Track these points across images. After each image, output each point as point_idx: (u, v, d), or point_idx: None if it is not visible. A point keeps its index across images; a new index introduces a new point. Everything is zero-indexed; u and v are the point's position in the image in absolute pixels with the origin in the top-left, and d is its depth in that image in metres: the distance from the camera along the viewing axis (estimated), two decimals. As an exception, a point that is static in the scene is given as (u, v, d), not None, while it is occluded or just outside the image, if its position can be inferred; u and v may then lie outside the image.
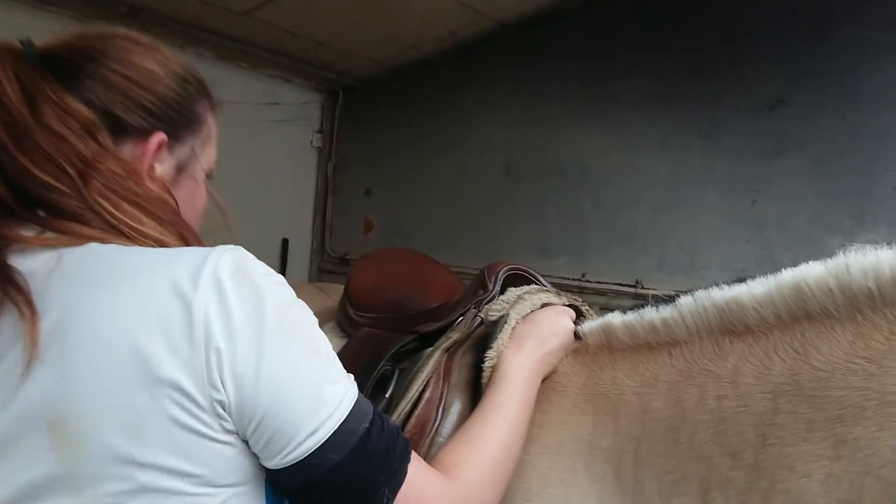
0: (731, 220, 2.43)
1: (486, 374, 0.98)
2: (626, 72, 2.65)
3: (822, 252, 2.47)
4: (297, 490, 0.69)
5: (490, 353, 0.99)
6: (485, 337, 1.04)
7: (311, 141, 3.54)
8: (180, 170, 0.83)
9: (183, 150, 0.83)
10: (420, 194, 3.21)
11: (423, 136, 3.19)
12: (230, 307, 0.63)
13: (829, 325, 0.75)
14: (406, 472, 0.72)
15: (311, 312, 0.72)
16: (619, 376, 0.94)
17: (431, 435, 0.92)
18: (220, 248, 0.67)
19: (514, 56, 2.92)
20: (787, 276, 0.79)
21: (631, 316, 0.96)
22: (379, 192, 3.39)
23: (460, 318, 1.08)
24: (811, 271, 0.77)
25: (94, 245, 0.67)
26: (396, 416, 0.95)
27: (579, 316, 1.13)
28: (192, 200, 0.85)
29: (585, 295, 2.68)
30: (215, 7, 2.66)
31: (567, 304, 1.13)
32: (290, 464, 0.66)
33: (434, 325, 1.11)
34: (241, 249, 0.68)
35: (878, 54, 2.18)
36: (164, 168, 0.80)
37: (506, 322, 1.03)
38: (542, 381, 1.01)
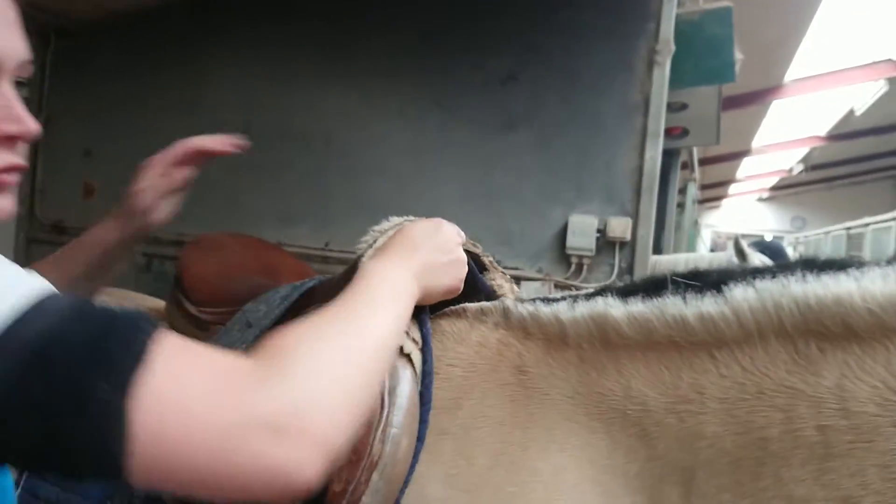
0: (467, 189, 2.50)
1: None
2: (367, 37, 2.60)
3: (546, 222, 2.61)
4: None
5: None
6: None
7: (15, 90, 3.01)
8: None
9: None
10: (149, 156, 2.88)
11: (153, 93, 2.87)
12: None
13: None
14: (140, 358, 0.45)
15: None
16: (636, 386, 0.70)
17: (381, 427, 0.71)
18: None
19: (255, 12, 2.74)
20: None
21: (640, 303, 0.72)
22: (101, 153, 3.00)
23: None
24: None
25: None
26: None
27: (483, 269, 0.97)
28: None
29: (329, 265, 2.61)
30: None
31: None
32: None
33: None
34: None
35: (594, 38, 2.36)
36: None
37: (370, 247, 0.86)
38: (505, 388, 0.79)
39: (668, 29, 2.23)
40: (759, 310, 0.64)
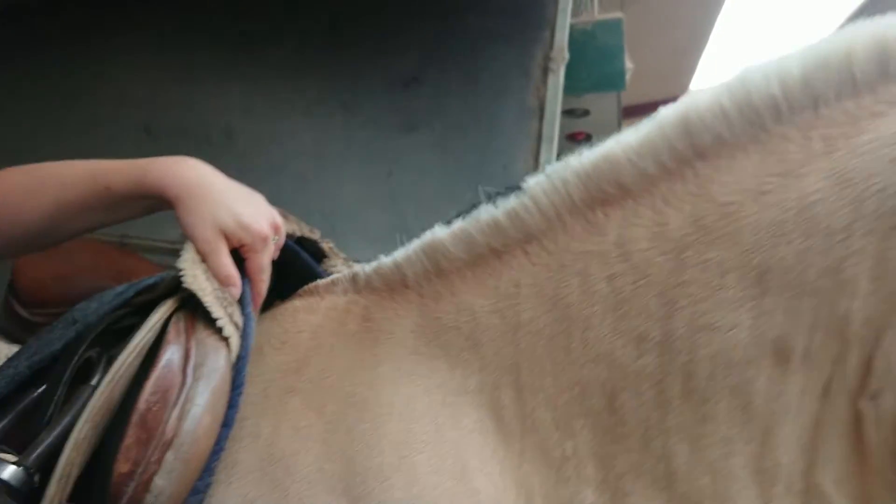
0: (369, 189, 2.52)
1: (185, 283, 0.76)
2: (272, 33, 2.59)
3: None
4: None
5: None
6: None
7: None
8: None
9: None
10: (41, 149, 2.78)
11: (46, 82, 2.78)
12: None
13: (727, 154, 0.62)
14: None
15: None
16: (466, 300, 0.74)
17: (181, 403, 0.69)
18: None
19: (156, 5, 2.69)
20: (668, 109, 0.66)
21: (460, 222, 0.77)
22: (-8, 146, 2.88)
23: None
24: (701, 96, 0.64)
25: None
26: (105, 394, 0.69)
27: (323, 256, 0.98)
28: None
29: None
30: None
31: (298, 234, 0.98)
32: None
33: (153, 295, 0.86)
34: None
35: (494, 43, 2.41)
36: None
37: None
38: (352, 338, 0.80)
39: (562, 37, 2.30)
40: (552, 190, 0.70)
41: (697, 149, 0.64)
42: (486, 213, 0.74)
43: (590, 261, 0.67)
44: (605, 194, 0.68)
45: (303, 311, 0.89)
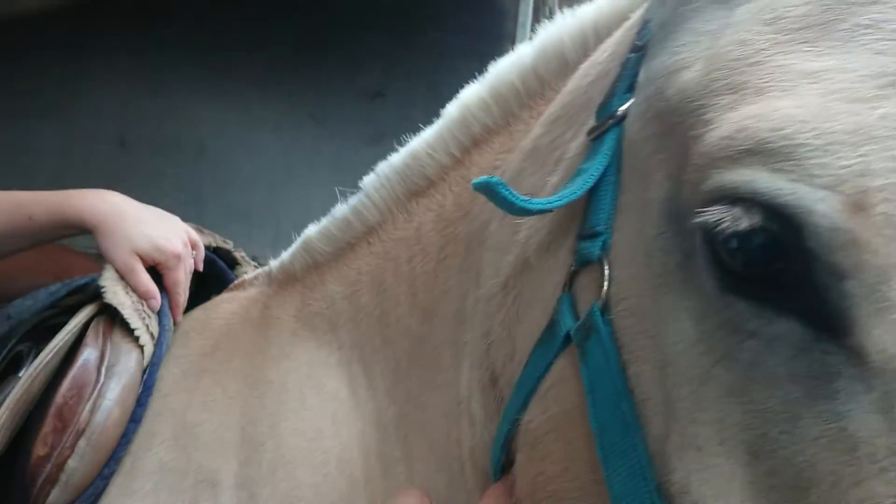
0: (339, 199, 2.58)
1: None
2: (244, 49, 2.66)
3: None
4: None
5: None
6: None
7: None
8: None
9: None
10: (17, 161, 2.86)
11: (20, 96, 2.84)
12: None
13: (489, 141, 0.71)
14: None
15: None
16: (329, 288, 0.85)
17: (94, 398, 0.77)
18: None
19: (131, 21, 2.76)
20: (453, 107, 0.74)
21: (325, 220, 0.87)
22: (-29, 159, 2.94)
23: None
24: (470, 92, 0.73)
25: None
26: (25, 387, 0.77)
27: (235, 264, 1.06)
28: None
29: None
30: None
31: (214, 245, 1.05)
32: None
33: (83, 296, 0.93)
34: None
35: (455, 57, 2.50)
36: None
37: None
38: (252, 324, 0.90)
39: (521, 51, 2.38)
40: (380, 187, 0.80)
41: (474, 138, 0.73)
42: (340, 210, 0.85)
43: (400, 247, 0.77)
44: (417, 186, 0.77)
45: (225, 301, 0.99)
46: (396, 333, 0.75)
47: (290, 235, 2.35)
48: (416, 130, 2.54)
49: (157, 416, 0.81)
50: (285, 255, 0.92)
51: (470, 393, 0.59)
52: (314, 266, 0.88)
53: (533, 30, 2.28)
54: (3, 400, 0.75)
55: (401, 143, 2.61)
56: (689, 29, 0.39)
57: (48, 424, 0.74)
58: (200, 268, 0.96)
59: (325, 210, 2.78)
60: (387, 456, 0.71)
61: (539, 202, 0.41)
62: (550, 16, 2.23)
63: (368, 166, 2.53)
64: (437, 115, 2.53)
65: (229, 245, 1.04)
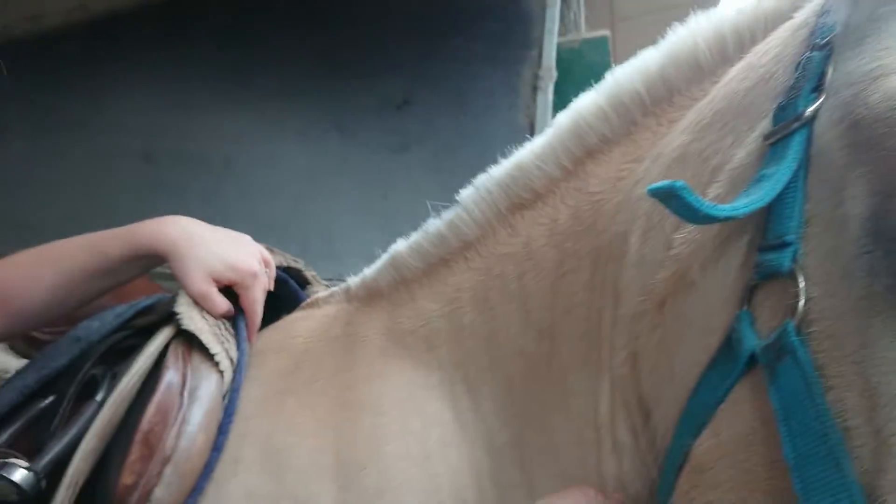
0: (365, 209, 2.56)
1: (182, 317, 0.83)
2: (266, 61, 2.65)
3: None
4: None
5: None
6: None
7: None
8: None
9: None
10: (43, 180, 2.84)
11: (47, 115, 2.84)
12: None
13: (607, 150, 0.68)
14: None
15: None
16: (422, 305, 0.81)
17: (178, 424, 0.75)
18: None
19: (155, 37, 2.75)
20: (563, 117, 0.73)
21: (416, 234, 0.84)
22: (-7, 176, 2.93)
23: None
24: (584, 100, 0.71)
25: None
26: (111, 411, 0.75)
27: (306, 283, 1.04)
28: None
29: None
30: None
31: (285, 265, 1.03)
32: None
33: (153, 317, 0.92)
34: None
35: (482, 64, 2.47)
36: None
37: None
38: (335, 342, 0.87)
39: (549, 56, 2.36)
40: (480, 200, 0.77)
41: (588, 149, 0.70)
42: (433, 225, 0.82)
43: (506, 263, 0.74)
44: (522, 199, 0.74)
45: (301, 319, 0.96)
46: (508, 353, 0.71)
47: (318, 247, 2.32)
48: (443, 138, 2.52)
49: (240, 441, 0.78)
50: (368, 270, 0.90)
51: (612, 417, 0.56)
52: (402, 282, 0.85)
53: (561, 33, 2.24)
54: (89, 425, 0.73)
55: (427, 151, 2.58)
56: (893, 32, 0.36)
57: (134, 451, 0.71)
58: (272, 287, 0.94)
59: (351, 219, 2.75)
60: (503, 481, 0.67)
61: (725, 209, 0.38)
62: (576, 22, 2.19)
63: (395, 174, 2.52)
64: (465, 123, 2.50)
65: (300, 264, 1.02)
